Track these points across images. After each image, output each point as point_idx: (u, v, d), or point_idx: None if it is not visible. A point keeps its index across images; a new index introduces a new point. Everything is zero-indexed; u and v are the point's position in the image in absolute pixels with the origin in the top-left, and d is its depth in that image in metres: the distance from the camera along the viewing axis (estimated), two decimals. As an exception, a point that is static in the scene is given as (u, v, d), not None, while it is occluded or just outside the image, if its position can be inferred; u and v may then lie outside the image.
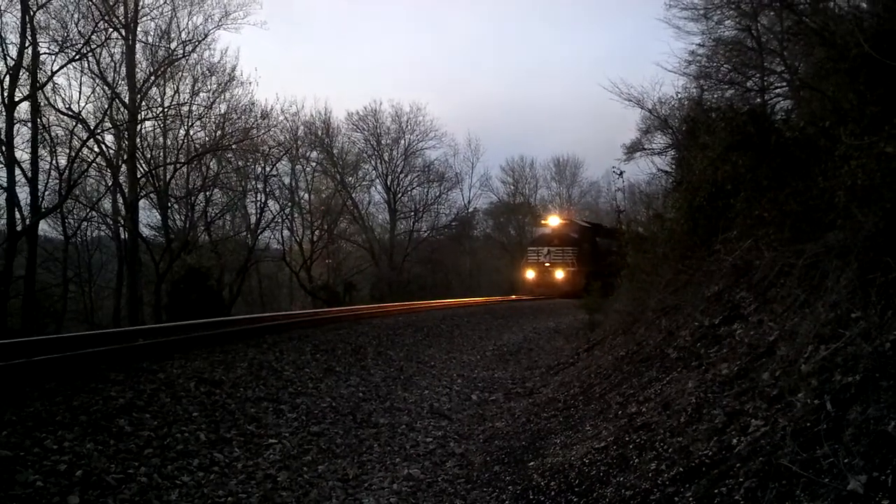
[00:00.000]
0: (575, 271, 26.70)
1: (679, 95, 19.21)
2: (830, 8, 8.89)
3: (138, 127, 23.94)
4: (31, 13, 20.03)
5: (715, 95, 16.77)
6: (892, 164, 4.07)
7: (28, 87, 20.21)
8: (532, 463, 4.94)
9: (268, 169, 30.57)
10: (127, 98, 23.60)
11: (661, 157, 22.41)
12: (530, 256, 28.84)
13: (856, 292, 3.63)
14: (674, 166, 15.67)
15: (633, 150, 24.30)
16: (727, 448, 3.25)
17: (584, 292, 24.26)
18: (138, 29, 24.17)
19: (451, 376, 9.27)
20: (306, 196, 36.49)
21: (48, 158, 21.97)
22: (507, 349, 12.17)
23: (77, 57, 21.61)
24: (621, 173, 21.62)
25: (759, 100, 15.20)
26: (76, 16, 21.50)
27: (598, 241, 28.71)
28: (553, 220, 29.70)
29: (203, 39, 25.55)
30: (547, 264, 27.66)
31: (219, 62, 26.70)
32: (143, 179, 24.73)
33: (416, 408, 7.35)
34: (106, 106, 23.18)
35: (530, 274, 28.14)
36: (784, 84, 15.51)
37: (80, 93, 23.55)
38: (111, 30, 22.92)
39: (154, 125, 25.55)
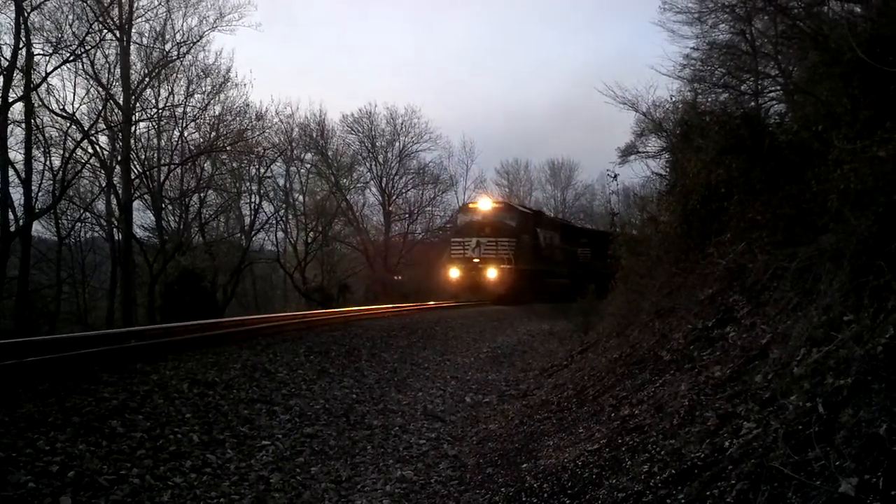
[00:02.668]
0: (511, 269, 21.23)
1: (673, 99, 19.27)
2: (824, 12, 8.93)
3: (132, 128, 23.91)
4: (26, 14, 19.99)
5: (709, 99, 16.84)
6: (885, 167, 4.09)
7: (22, 87, 20.19)
8: (525, 465, 4.93)
9: (262, 170, 30.60)
10: (121, 99, 23.55)
11: (656, 161, 22.50)
12: (455, 250, 22.56)
13: (848, 295, 3.64)
14: (668, 169, 15.71)
15: (627, 153, 24.39)
16: (719, 450, 3.25)
17: (521, 296, 20.43)
18: (133, 30, 24.19)
19: (444, 378, 9.27)
20: (301, 198, 36.49)
21: (42, 159, 22.05)
22: (500, 351, 12.18)
23: (71, 58, 21.58)
24: (616, 176, 21.69)
25: (752, 103, 15.26)
26: (70, 17, 21.49)
27: (539, 232, 23.95)
28: (484, 203, 23.18)
29: (198, 41, 25.57)
30: (476, 260, 21.73)
31: (213, 64, 26.75)
32: (137, 181, 24.68)
33: (409, 409, 7.34)
34: (100, 107, 23.15)
35: (454, 273, 22.22)
36: (778, 88, 15.62)
37: (74, 94, 23.60)
38: (105, 31, 22.89)
39: (148, 126, 25.59)
